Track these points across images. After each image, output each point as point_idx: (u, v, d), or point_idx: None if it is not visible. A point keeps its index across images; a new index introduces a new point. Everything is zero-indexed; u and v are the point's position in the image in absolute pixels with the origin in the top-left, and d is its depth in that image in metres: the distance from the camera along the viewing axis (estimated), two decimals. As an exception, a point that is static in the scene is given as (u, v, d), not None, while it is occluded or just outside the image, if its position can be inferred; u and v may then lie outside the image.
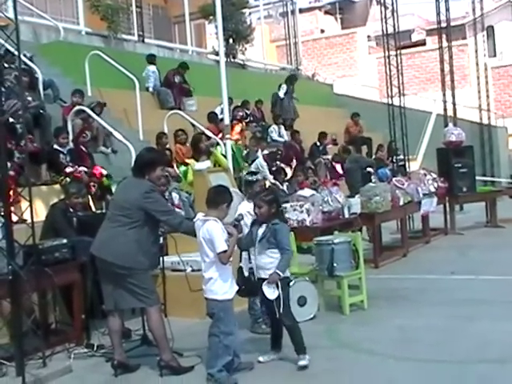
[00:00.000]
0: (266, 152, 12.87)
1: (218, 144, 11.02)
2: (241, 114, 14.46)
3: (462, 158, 12.97)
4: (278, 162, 12.94)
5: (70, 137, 10.05)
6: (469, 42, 26.47)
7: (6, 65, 9.68)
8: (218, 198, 5.25)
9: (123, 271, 5.35)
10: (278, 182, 11.91)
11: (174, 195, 9.25)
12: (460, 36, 27.37)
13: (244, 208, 6.08)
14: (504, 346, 5.61)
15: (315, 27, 33.36)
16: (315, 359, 5.57)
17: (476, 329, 6.17)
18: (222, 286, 5.15)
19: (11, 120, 8.22)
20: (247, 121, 14.95)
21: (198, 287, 6.63)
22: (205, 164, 9.61)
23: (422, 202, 11.25)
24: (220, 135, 11.71)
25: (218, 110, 13.61)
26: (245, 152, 12.77)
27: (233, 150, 11.20)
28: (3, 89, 7.19)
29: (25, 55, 11.42)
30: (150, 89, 14.78)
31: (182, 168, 10.18)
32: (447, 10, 16.86)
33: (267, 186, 6.18)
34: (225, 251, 5.05)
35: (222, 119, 11.92)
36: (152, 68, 14.82)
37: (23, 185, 7.17)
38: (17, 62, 8.38)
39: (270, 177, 12.02)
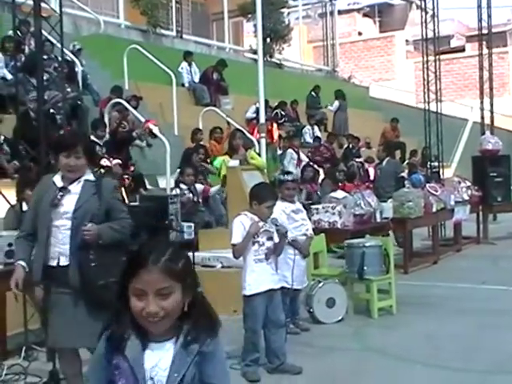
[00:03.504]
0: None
1: (252, 146, 10.96)
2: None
3: (498, 167, 12.81)
4: (310, 164, 12.93)
5: (107, 129, 10.18)
6: (509, 50, 26.17)
7: (45, 56, 9.81)
8: (249, 196, 5.27)
9: None
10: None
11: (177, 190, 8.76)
12: (501, 43, 27.03)
13: (277, 208, 6.05)
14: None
15: (353, 29, 33.25)
16: (342, 361, 5.57)
17: (505, 339, 6.09)
18: (244, 280, 5.15)
19: (52, 111, 8.32)
20: (282, 121, 14.99)
21: (228, 284, 6.70)
22: (235, 163, 9.64)
23: (454, 209, 11.14)
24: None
25: (252, 110, 13.66)
26: (279, 152, 12.81)
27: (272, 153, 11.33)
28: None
29: (73, 46, 11.62)
30: (186, 84, 14.87)
31: (217, 163, 10.24)
32: (489, 16, 16.64)
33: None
34: (233, 244, 5.06)
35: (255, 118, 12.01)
36: (183, 64, 14.93)
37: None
38: (57, 52, 8.52)
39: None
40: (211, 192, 9.42)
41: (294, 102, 16.55)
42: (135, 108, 11.00)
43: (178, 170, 9.54)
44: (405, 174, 13.14)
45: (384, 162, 12.40)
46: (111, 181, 4.56)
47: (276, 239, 5.22)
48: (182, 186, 8.77)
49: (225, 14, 19.68)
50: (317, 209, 8.60)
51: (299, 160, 12.71)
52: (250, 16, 19.41)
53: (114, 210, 4.31)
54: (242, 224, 5.09)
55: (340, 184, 11.51)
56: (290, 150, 12.61)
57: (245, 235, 5.06)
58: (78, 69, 11.41)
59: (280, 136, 13.71)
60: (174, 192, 8.52)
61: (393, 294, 7.19)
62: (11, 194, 6.76)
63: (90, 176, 4.29)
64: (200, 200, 9.15)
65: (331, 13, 24.75)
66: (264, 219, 5.15)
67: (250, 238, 5.08)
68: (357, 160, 14.94)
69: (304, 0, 24.85)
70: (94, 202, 4.20)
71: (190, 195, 8.77)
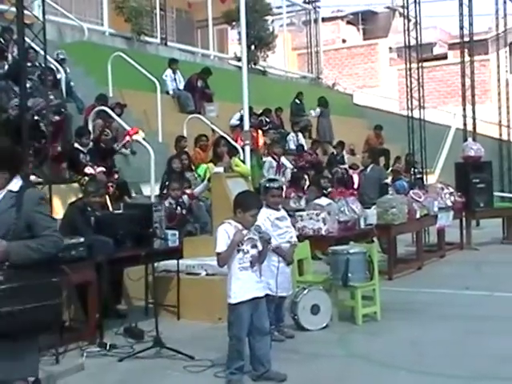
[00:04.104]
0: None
1: (237, 153, 10.98)
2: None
3: (481, 173, 12.90)
4: (295, 170, 12.95)
5: (91, 137, 10.15)
6: (491, 58, 26.38)
7: (29, 63, 9.79)
8: (234, 204, 5.26)
9: None
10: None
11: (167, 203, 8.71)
12: (482, 51, 27.25)
13: (262, 215, 6.04)
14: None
15: (337, 37, 33.42)
16: (327, 368, 5.57)
17: (489, 345, 6.12)
18: (229, 288, 5.14)
19: (36, 118, 8.30)
20: (266, 128, 15.02)
21: (213, 291, 6.69)
22: (219, 170, 9.65)
23: (438, 215, 11.21)
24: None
25: (237, 117, 13.68)
26: (263, 159, 12.84)
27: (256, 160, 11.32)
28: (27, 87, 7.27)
29: (57, 55, 11.59)
30: (170, 92, 14.87)
31: (200, 170, 10.24)
32: (470, 24, 16.78)
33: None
34: (218, 253, 5.05)
35: (239, 125, 12.00)
36: (168, 72, 14.96)
37: (43, 183, 7.26)
38: (40, 59, 8.49)
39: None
40: (196, 192, 9.40)
41: (279, 109, 16.59)
42: (119, 115, 10.98)
43: (161, 182, 9.53)
44: (388, 181, 13.19)
45: (368, 169, 12.43)
46: (36, 192, 3.97)
47: (260, 247, 5.23)
48: (171, 200, 8.78)
49: (209, 22, 19.69)
50: (301, 216, 8.62)
51: (279, 166, 12.66)
52: (234, 23, 19.48)
53: (37, 225, 3.66)
54: (226, 232, 5.09)
55: (325, 191, 11.53)
56: (269, 159, 12.58)
57: (229, 243, 5.05)
58: (62, 76, 11.37)
59: (265, 143, 13.75)
60: (165, 203, 8.47)
61: (377, 300, 7.21)
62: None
63: (14, 186, 3.70)
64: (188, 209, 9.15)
65: (315, 20, 24.86)
66: (248, 227, 5.14)
67: (235, 246, 5.08)
68: (341, 167, 15.00)
69: (288, 7, 24.96)
70: (9, 215, 3.59)
71: (179, 208, 8.79)
